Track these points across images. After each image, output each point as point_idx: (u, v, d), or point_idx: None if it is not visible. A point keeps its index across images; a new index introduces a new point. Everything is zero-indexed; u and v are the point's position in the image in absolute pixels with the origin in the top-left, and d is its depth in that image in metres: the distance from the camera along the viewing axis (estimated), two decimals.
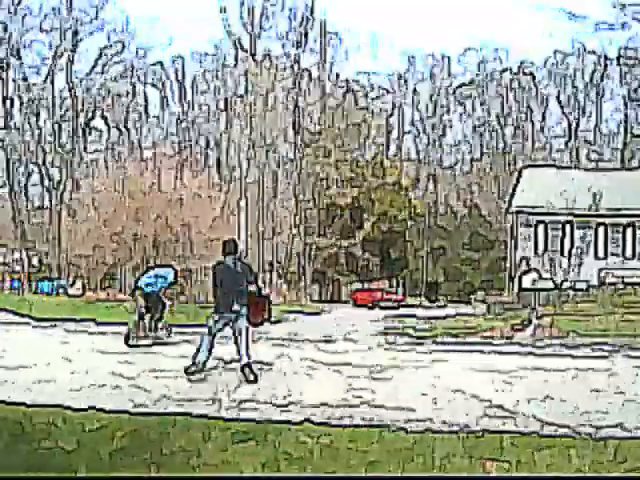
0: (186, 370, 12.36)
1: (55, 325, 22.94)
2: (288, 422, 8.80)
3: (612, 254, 50.21)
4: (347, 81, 75.89)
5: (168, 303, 18.06)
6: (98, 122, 74.62)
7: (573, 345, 18.13)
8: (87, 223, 44.94)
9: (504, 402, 10.14)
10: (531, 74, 79.78)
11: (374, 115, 76.67)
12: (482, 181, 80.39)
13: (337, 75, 75.32)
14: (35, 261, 68.25)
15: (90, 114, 73.10)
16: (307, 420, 8.88)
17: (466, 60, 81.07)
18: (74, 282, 59.04)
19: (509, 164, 77.09)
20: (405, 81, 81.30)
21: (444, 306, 57.89)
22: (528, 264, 47.56)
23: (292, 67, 72.07)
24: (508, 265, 54.46)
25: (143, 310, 17.14)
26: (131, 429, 8.31)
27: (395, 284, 65.09)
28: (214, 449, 7.62)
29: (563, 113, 79.25)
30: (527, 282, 43.99)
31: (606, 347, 17.20)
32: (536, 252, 50.62)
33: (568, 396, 10.64)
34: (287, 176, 72.79)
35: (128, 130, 75.08)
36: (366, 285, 65.48)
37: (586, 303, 34.00)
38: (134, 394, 10.74)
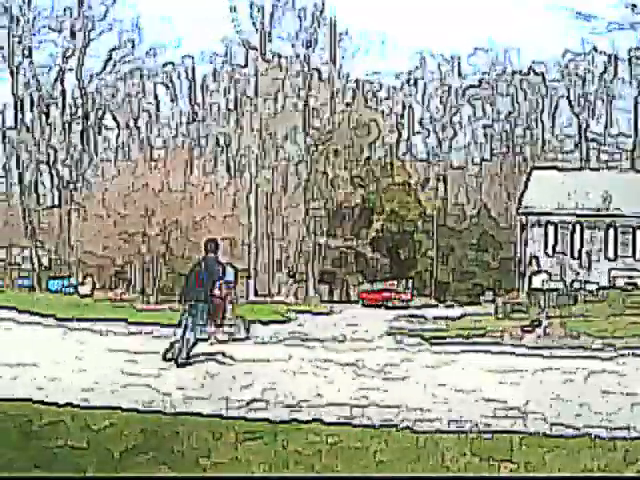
0: (164, 356, 13.57)
1: (64, 323, 23.00)
2: (298, 421, 8.81)
3: (622, 255, 50.09)
4: (357, 81, 75.88)
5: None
6: (108, 121, 74.80)
7: (583, 346, 18.09)
8: (97, 222, 45.04)
9: (514, 402, 10.13)
10: (541, 74, 79.62)
11: (384, 115, 76.64)
12: (492, 182, 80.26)
13: (347, 75, 75.32)
14: (45, 260, 68.44)
15: (100, 113, 73.27)
16: (317, 420, 8.89)
17: (476, 60, 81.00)
18: (83, 281, 59.15)
19: (519, 165, 76.95)
20: (415, 81, 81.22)
21: (453, 306, 57.80)
22: (538, 265, 47.54)
23: (302, 67, 72.10)
24: (517, 266, 54.38)
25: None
26: (141, 428, 8.33)
27: (404, 284, 65.01)
28: (224, 448, 7.63)
29: (573, 114, 79.06)
30: (537, 282, 43.97)
31: (616, 348, 17.16)
32: (546, 253, 50.57)
33: (578, 397, 10.62)
34: (296, 176, 72.82)
35: (138, 129, 75.22)
36: (375, 285, 65.45)
37: (596, 304, 33.92)
38: (144, 393, 10.77)
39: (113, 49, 71.30)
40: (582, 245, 49.90)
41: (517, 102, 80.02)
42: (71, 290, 55.89)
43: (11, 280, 62.60)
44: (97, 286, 57.42)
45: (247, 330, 18.68)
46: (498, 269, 69.38)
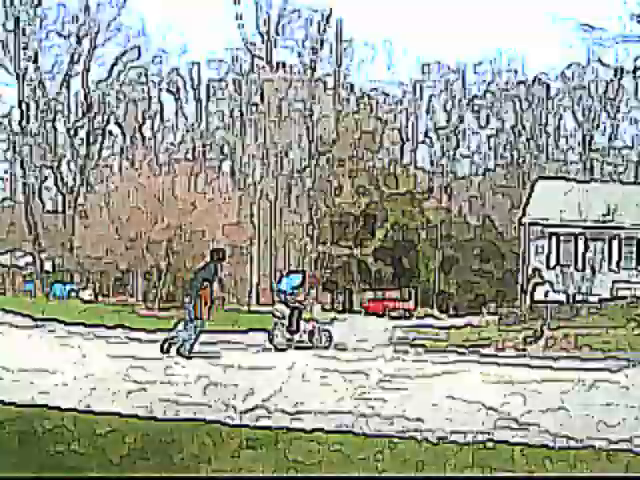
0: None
1: (67, 329, 23.01)
2: (299, 430, 8.81)
3: (625, 267, 50.04)
4: (362, 90, 75.98)
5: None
6: (113, 127, 74.94)
7: (585, 358, 18.06)
8: (100, 228, 45.08)
9: (515, 414, 10.12)
10: (546, 85, 79.69)
11: (388, 124, 76.71)
12: (495, 192, 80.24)
13: (352, 84, 75.43)
14: (48, 265, 68.54)
15: (105, 119, 73.42)
16: (318, 429, 8.88)
17: (481, 70, 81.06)
18: (86, 286, 59.23)
19: (523, 175, 76.95)
20: (420, 91, 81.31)
21: (456, 316, 57.74)
22: (541, 276, 47.47)
23: (307, 76, 72.20)
24: (520, 277, 54.35)
25: (280, 314, 18.03)
26: (142, 434, 8.33)
27: (407, 294, 65.00)
28: (225, 455, 7.63)
29: (578, 125, 79.10)
30: (539, 294, 43.88)
31: (618, 360, 17.13)
32: (548, 264, 50.51)
33: (580, 409, 10.61)
34: (300, 184, 72.86)
35: (143, 136, 75.35)
36: (378, 294, 65.42)
37: (598, 316, 33.86)
38: (146, 399, 10.77)
39: (119, 55, 71.51)
40: (585, 257, 49.83)
41: (521, 113, 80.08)
42: (73, 295, 55.98)
43: (13, 285, 62.69)
44: (100, 291, 57.49)
45: (329, 339, 18.84)
46: (501, 280, 69.31)
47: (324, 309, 63.94)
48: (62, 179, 71.24)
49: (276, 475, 6.92)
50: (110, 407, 9.85)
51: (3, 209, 76.78)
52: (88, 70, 70.83)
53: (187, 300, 16.29)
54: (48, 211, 73.57)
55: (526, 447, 8.19)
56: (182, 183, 44.68)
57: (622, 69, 73.78)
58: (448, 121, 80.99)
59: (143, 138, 75.24)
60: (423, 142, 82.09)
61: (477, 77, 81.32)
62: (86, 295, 55.18)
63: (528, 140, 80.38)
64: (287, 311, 18.98)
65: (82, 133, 71.90)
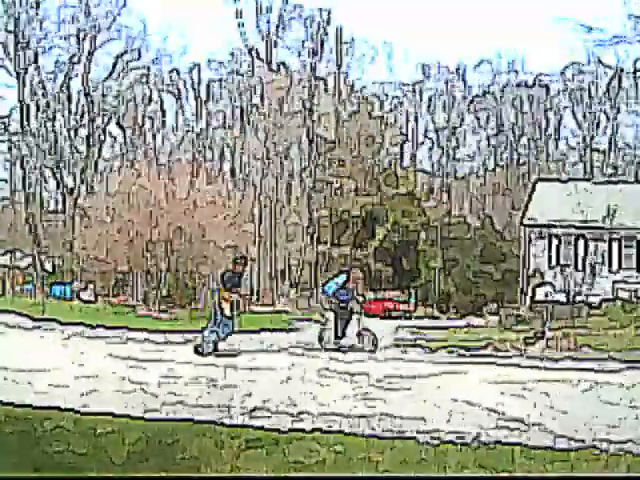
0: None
1: (67, 329, 22.99)
2: (300, 430, 8.79)
3: (625, 268, 50.03)
4: (362, 91, 75.99)
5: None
6: (113, 128, 74.96)
7: (585, 358, 18.03)
8: (101, 228, 45.08)
9: (516, 414, 10.10)
10: (546, 86, 79.70)
11: (388, 125, 76.72)
12: (496, 193, 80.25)
13: (352, 85, 75.44)
14: (48, 265, 68.54)
15: (106, 120, 73.43)
16: (318, 429, 8.87)
17: (481, 71, 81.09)
18: (86, 287, 59.21)
19: (523, 176, 76.95)
20: (420, 92, 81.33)
21: (456, 317, 57.73)
22: (541, 277, 47.47)
23: (307, 76, 72.23)
24: (521, 278, 54.34)
25: (325, 319, 17.88)
26: (142, 434, 8.32)
27: (407, 294, 64.98)
28: (225, 456, 7.61)
29: (578, 126, 79.11)
30: (540, 295, 43.90)
31: (619, 361, 17.10)
32: (549, 265, 50.52)
33: (580, 410, 10.59)
34: (301, 185, 72.88)
35: (144, 136, 75.36)
36: (378, 295, 65.39)
37: (599, 317, 33.86)
38: (145, 399, 10.75)
39: (119, 56, 71.51)
40: (586, 257, 49.84)
41: (521, 113, 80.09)
42: (74, 296, 55.96)
43: (13, 285, 62.68)
44: (100, 292, 57.49)
45: (374, 344, 18.51)
46: (501, 280, 69.30)
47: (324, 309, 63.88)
48: (62, 180, 71.24)
49: (276, 475, 6.91)
50: (110, 407, 9.83)
51: (3, 209, 76.83)
52: (88, 71, 70.85)
53: (214, 300, 17.06)
54: (48, 211, 73.59)
55: (526, 448, 8.18)
56: (182, 184, 44.69)
57: (622, 69, 73.81)
58: (448, 122, 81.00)
59: (144, 139, 75.25)
60: (423, 143, 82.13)
61: (477, 78, 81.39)
62: (86, 296, 55.16)
63: (528, 141, 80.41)
64: (332, 315, 18.70)
65: (82, 133, 71.91)
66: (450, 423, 9.59)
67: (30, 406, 9.69)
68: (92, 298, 54.24)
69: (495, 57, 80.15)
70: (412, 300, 64.21)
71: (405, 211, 70.78)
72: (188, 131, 77.29)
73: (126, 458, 7.49)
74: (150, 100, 75.91)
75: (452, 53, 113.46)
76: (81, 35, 69.97)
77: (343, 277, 18.91)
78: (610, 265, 50.08)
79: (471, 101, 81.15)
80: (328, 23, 72.23)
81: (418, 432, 8.96)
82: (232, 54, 74.19)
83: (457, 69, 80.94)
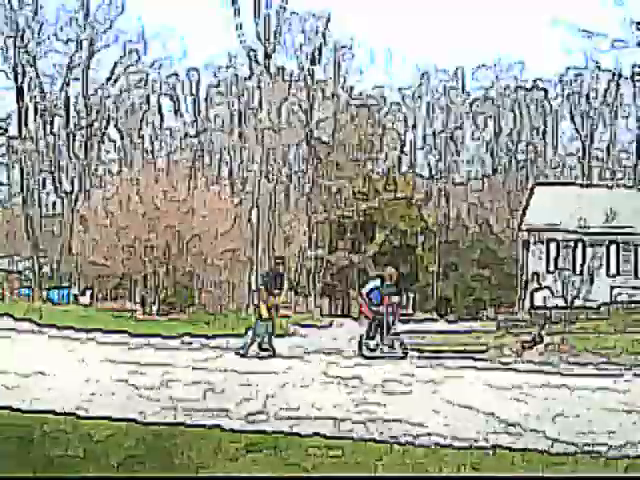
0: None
1: (65, 334, 22.98)
2: (298, 434, 8.80)
3: (624, 272, 50.04)
4: (360, 95, 76.03)
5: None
6: (112, 132, 74.94)
7: (584, 363, 18.05)
8: (99, 232, 45.05)
9: (514, 419, 10.11)
10: (544, 91, 79.78)
11: (387, 130, 76.75)
12: (494, 197, 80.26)
13: (350, 89, 75.46)
14: (46, 269, 68.49)
15: (104, 123, 73.42)
16: (317, 433, 8.87)
17: (480, 76, 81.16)
18: (84, 291, 59.14)
19: (521, 181, 76.95)
20: (419, 96, 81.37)
21: (454, 322, 57.71)
22: (539, 281, 47.46)
23: (306, 81, 72.27)
24: (519, 282, 54.35)
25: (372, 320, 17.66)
26: (141, 439, 8.32)
27: (405, 299, 64.94)
28: (224, 460, 7.62)
29: (576, 130, 79.16)
30: (538, 299, 43.89)
31: (617, 366, 17.12)
32: (547, 270, 50.50)
33: (578, 414, 10.60)
34: (299, 189, 72.87)
35: (142, 140, 75.37)
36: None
37: (597, 321, 33.84)
38: (144, 403, 10.75)
39: (118, 60, 71.52)
40: (584, 262, 49.81)
41: (520, 118, 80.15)
42: (71, 299, 55.90)
43: (11, 289, 62.61)
44: (98, 296, 57.43)
45: (405, 350, 18.30)
46: (499, 285, 69.28)
47: (322, 314, 63.95)
48: (61, 184, 71.21)
49: (276, 475, 6.92)
50: (109, 412, 9.83)
51: (2, 213, 76.77)
52: (87, 75, 70.83)
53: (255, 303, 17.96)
54: (46, 216, 73.52)
55: (525, 452, 8.19)
56: (180, 188, 44.69)
57: (620, 74, 73.90)
58: (447, 126, 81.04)
59: (142, 143, 75.26)
60: (422, 147, 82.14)
61: (476, 82, 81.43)
62: (84, 300, 55.09)
63: (527, 145, 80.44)
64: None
65: (81, 137, 71.89)
66: (448, 427, 9.59)
67: (28, 411, 9.69)
68: (90, 302, 54.17)
69: (494, 62, 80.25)
70: (410, 305, 64.17)
71: (403, 216, 70.79)
72: (186, 135, 77.30)
73: (124, 462, 7.50)
74: (148, 104, 75.92)
75: (451, 58, 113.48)
76: (80, 39, 69.98)
77: (377, 282, 18.67)
78: (608, 270, 50.09)
79: (470, 105, 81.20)
80: (327, 28, 72.31)
81: (416, 436, 8.97)
82: (230, 59, 74.24)
83: (455, 73, 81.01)
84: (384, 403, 11.12)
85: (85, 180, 68.95)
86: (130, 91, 73.21)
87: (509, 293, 62.30)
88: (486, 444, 8.63)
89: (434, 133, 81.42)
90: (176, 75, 76.95)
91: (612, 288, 48.32)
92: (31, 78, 69.27)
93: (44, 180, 71.93)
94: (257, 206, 67.88)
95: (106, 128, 73.83)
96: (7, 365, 13.62)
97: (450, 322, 58.18)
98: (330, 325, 43.89)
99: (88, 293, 57.97)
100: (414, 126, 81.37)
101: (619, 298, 46.07)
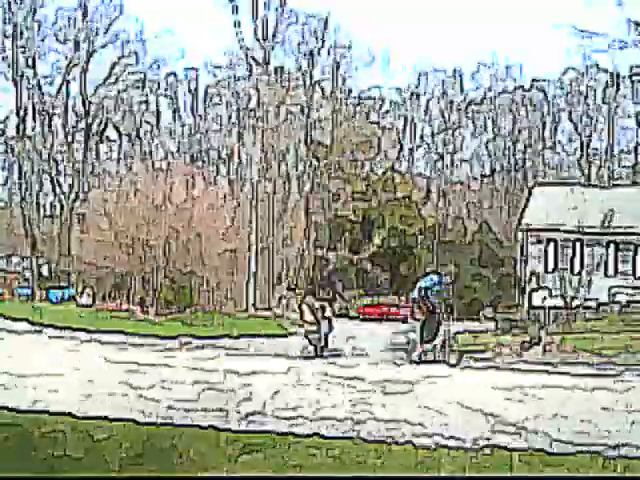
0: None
1: (63, 334, 22.96)
2: (297, 435, 8.79)
3: (622, 272, 50.05)
4: (359, 95, 76.05)
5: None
6: (111, 132, 74.91)
7: (582, 363, 18.05)
8: (98, 233, 45.06)
9: (513, 419, 10.10)
10: (543, 91, 79.79)
11: (385, 130, 76.75)
12: (493, 197, 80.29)
13: (349, 89, 75.47)
14: (45, 270, 68.46)
15: (103, 124, 73.41)
16: (316, 434, 8.87)
17: (478, 76, 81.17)
18: (83, 291, 59.13)
19: (520, 181, 76.99)
20: (417, 96, 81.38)
21: (453, 322, 57.63)
22: (538, 281, 47.46)
23: (304, 81, 72.26)
24: (518, 282, 54.34)
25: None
26: (139, 439, 8.31)
27: (404, 299, 64.92)
28: (223, 460, 7.61)
29: (575, 130, 79.19)
30: (537, 299, 43.89)
31: (615, 365, 17.12)
32: (546, 269, 50.51)
33: (577, 414, 10.59)
34: (298, 189, 72.86)
35: (140, 140, 75.35)
36: (374, 300, 65.35)
37: (596, 321, 33.86)
38: (143, 404, 10.74)
39: (116, 60, 71.49)
40: (583, 262, 49.83)
41: (519, 118, 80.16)
42: (70, 300, 55.88)
43: (11, 289, 62.60)
44: (97, 296, 57.40)
45: (460, 356, 17.37)
46: (498, 285, 69.28)
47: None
48: (59, 184, 71.21)
49: (276, 475, 6.91)
50: (107, 412, 9.82)
51: (0, 213, 76.74)
52: (86, 75, 70.82)
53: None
54: (45, 216, 73.50)
55: (524, 452, 8.18)
56: (179, 188, 44.70)
57: (619, 74, 73.94)
58: (445, 126, 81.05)
59: (141, 143, 75.24)
60: (420, 147, 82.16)
61: (474, 82, 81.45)
62: (83, 300, 55.06)
63: (525, 145, 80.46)
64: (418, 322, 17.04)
65: (79, 137, 71.87)
66: (447, 427, 9.59)
67: (27, 411, 9.68)
68: (89, 302, 54.14)
69: (492, 62, 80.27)
70: (409, 305, 64.11)
71: (402, 216, 70.79)
72: (185, 135, 77.28)
73: (123, 462, 7.49)
74: (147, 104, 75.90)
75: (449, 58, 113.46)
76: (79, 39, 69.98)
77: (430, 279, 17.55)
78: (607, 270, 50.10)
79: (468, 105, 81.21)
80: (325, 27, 72.30)
81: (415, 436, 8.96)
82: (229, 59, 74.23)
83: (454, 74, 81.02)
84: (383, 403, 11.12)
85: (84, 181, 68.94)
86: (129, 91, 73.20)
87: (508, 293, 62.32)
88: (486, 444, 8.63)
89: (432, 133, 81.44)
90: (174, 75, 76.98)
91: (610, 288, 48.33)
92: (29, 78, 69.27)
93: (42, 180, 71.92)
94: (256, 207, 67.88)
95: (105, 128, 73.82)
96: (5, 365, 13.60)
97: (449, 322, 58.12)
98: None
99: (87, 293, 57.96)
100: (413, 126, 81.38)
101: (617, 298, 46.08)
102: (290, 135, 70.68)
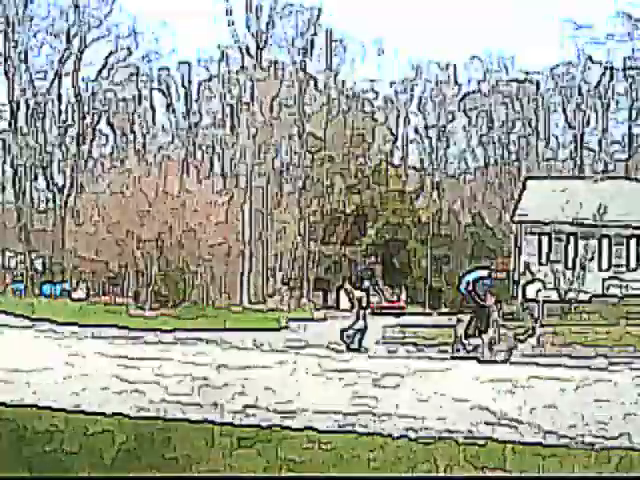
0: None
1: (57, 328, 22.96)
2: (291, 429, 8.80)
3: (616, 265, 50.16)
4: (352, 89, 76.00)
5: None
6: (104, 126, 74.78)
7: (576, 356, 18.10)
8: (91, 227, 45.01)
9: (507, 411, 10.13)
10: (536, 83, 79.84)
11: (379, 123, 76.75)
12: (486, 190, 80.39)
13: (343, 82, 75.42)
14: (39, 264, 68.39)
15: (96, 118, 73.26)
16: (310, 427, 8.88)
17: (472, 69, 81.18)
18: (77, 286, 59.10)
19: (513, 174, 77.08)
20: (411, 89, 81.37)
21: (447, 314, 57.75)
22: (532, 274, 47.52)
23: (298, 74, 72.19)
24: (511, 275, 54.41)
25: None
26: (133, 434, 8.31)
27: (398, 291, 65.04)
28: (217, 455, 7.61)
29: (568, 123, 79.28)
30: (531, 292, 43.97)
31: (609, 358, 17.17)
32: (540, 262, 50.58)
33: (571, 406, 10.62)
34: (291, 183, 72.86)
35: (134, 135, 75.24)
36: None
37: (589, 314, 33.96)
38: (137, 398, 10.74)
39: (109, 54, 71.33)
40: (576, 254, 49.93)
41: (512, 111, 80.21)
42: (64, 294, 55.86)
43: (4, 284, 62.55)
44: (91, 291, 57.37)
45: (510, 350, 16.31)
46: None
47: (316, 308, 64.01)
48: (53, 179, 71.08)
49: (277, 475, 6.91)
50: (101, 407, 9.82)
51: None
52: (78, 69, 70.67)
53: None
54: (39, 211, 73.39)
55: (517, 445, 8.20)
56: (172, 182, 44.68)
57: (612, 66, 74.00)
58: (439, 119, 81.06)
59: (134, 137, 75.12)
60: (414, 140, 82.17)
61: (467, 75, 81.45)
62: (77, 295, 55.08)
63: (519, 138, 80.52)
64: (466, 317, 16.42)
65: (72, 132, 71.73)
66: (441, 420, 9.61)
67: (21, 406, 9.67)
68: (83, 297, 54.15)
69: (485, 55, 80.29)
70: (403, 297, 64.26)
71: (396, 209, 70.86)
72: (178, 129, 77.18)
73: (117, 457, 7.49)
74: (140, 99, 75.77)
75: (442, 51, 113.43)
76: (71, 33, 69.79)
77: (476, 273, 17.04)
78: (600, 262, 50.20)
79: (462, 99, 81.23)
80: (318, 21, 72.23)
81: (409, 429, 8.98)
82: (222, 52, 74.10)
83: (447, 67, 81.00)
84: (377, 396, 11.14)
85: (77, 175, 68.84)
86: (122, 85, 73.07)
87: (501, 286, 62.35)
88: (479, 436, 8.65)
89: (426, 126, 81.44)
90: (167, 69, 76.84)
91: (604, 281, 48.44)
92: (22, 73, 69.09)
93: (36, 175, 71.80)
94: (249, 200, 67.84)
95: (98, 123, 73.70)
96: None
97: (442, 314, 58.23)
98: (324, 319, 43.91)
99: (81, 288, 57.92)
100: (406, 119, 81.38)
101: (611, 291, 46.20)
102: (283, 129, 70.63)
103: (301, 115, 71.78)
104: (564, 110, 79.09)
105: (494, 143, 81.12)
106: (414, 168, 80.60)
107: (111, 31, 70.47)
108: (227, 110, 74.82)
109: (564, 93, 78.71)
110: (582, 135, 78.61)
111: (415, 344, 22.12)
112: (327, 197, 70.80)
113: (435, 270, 72.31)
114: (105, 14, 69.90)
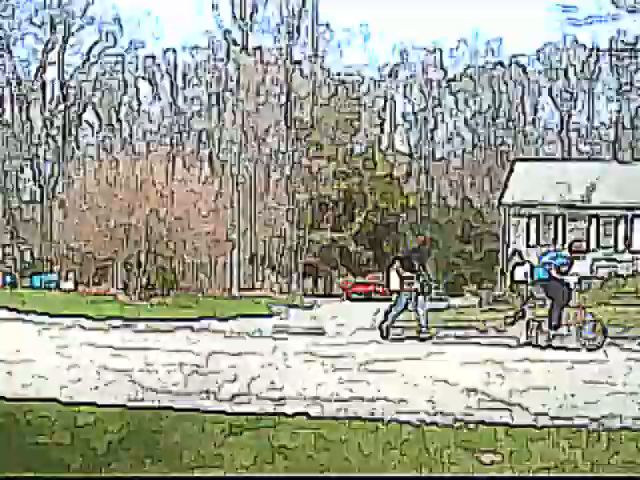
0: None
1: (47, 320, 22.90)
2: (282, 415, 8.80)
3: (604, 246, 50.36)
4: (339, 74, 75.86)
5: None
6: (89, 116, 74.46)
7: (565, 336, 18.14)
8: (79, 217, 44.87)
9: (498, 394, 10.16)
10: (523, 66, 79.86)
11: (366, 108, 76.67)
12: (474, 174, 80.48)
13: (329, 68, 75.28)
14: (27, 256, 68.19)
15: (81, 108, 72.93)
16: (301, 413, 8.88)
17: (458, 52, 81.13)
18: (66, 277, 58.96)
19: (501, 156, 77.19)
20: (397, 74, 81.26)
21: (437, 298, 57.88)
22: (521, 256, 47.65)
23: (284, 60, 72.01)
24: (500, 258, 54.58)
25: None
26: (125, 423, 8.30)
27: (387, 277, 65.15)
28: (208, 443, 7.61)
29: (555, 105, 79.36)
30: (520, 274, 44.01)
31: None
32: (528, 245, 50.76)
33: (561, 387, 10.66)
34: (279, 170, 72.77)
35: (120, 123, 74.95)
36: (358, 278, 65.52)
37: (577, 295, 34.02)
38: (128, 388, 10.73)
39: (94, 43, 70.97)
40: (565, 236, 50.12)
41: (499, 94, 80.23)
42: (53, 285, 55.72)
43: None
44: (80, 281, 57.26)
45: (603, 334, 15.68)
46: (481, 261, 69.59)
47: (306, 294, 64.08)
48: (39, 169, 70.78)
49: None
50: (92, 397, 9.80)
51: None
52: (63, 58, 70.30)
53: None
54: (25, 202, 73.12)
55: (509, 427, 8.22)
56: (160, 171, 44.56)
57: (598, 48, 74.02)
58: (426, 103, 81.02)
59: (120, 126, 74.84)
60: (401, 125, 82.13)
61: (454, 59, 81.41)
62: (67, 285, 54.95)
63: (506, 121, 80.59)
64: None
65: (58, 122, 71.40)
66: (432, 404, 9.62)
67: (12, 399, 9.65)
68: (72, 288, 54.03)
69: (472, 38, 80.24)
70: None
71: (384, 193, 70.91)
72: (164, 117, 76.92)
73: (109, 447, 7.48)
74: (126, 87, 75.46)
75: (428, 35, 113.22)
76: (55, 22, 69.37)
77: (554, 254, 16.96)
78: (589, 244, 50.39)
79: (448, 83, 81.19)
80: (304, 6, 72.00)
81: (400, 413, 8.99)
82: (207, 39, 73.83)
83: (434, 51, 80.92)
84: (367, 381, 11.15)
85: (63, 165, 68.59)
86: (107, 74, 72.77)
87: (491, 269, 62.57)
88: (470, 420, 8.67)
89: (413, 111, 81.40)
90: (153, 57, 76.52)
91: (593, 261, 48.64)
92: (6, 62, 68.71)
93: (22, 166, 71.51)
94: (237, 188, 67.73)
95: (83, 112, 73.39)
96: None
97: (433, 299, 58.43)
98: (313, 306, 43.98)
99: (70, 278, 57.80)
100: (393, 104, 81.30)
101: (600, 272, 46.36)
102: (270, 115, 70.52)
103: (287, 101, 71.65)
104: (550, 92, 79.16)
105: (481, 126, 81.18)
106: (402, 152, 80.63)
107: (95, 19, 70.13)
108: (213, 97, 74.61)
109: (550, 75, 78.78)
110: (569, 117, 78.72)
111: (405, 327, 22.12)
112: (315, 183, 70.76)
113: None
114: (89, 2, 69.51)
